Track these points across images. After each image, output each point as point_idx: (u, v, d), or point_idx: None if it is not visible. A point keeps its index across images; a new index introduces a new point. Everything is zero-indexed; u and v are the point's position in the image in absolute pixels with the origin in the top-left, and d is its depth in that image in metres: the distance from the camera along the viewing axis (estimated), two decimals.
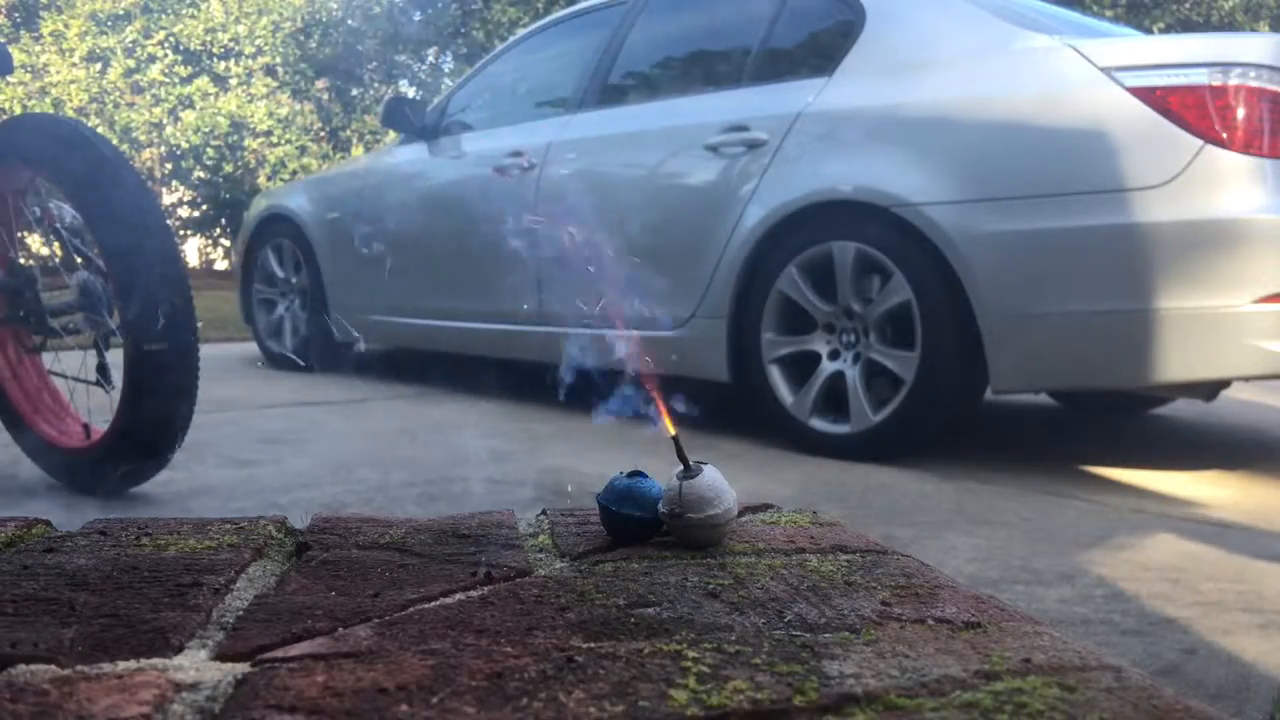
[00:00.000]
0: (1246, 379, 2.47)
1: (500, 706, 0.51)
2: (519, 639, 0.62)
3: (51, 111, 11.22)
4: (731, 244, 2.85)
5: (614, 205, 3.21)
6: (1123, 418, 3.51)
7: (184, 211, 13.95)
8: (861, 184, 2.62)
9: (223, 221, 13.75)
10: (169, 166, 13.33)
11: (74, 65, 12.87)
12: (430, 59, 14.05)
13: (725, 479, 0.86)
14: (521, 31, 4.46)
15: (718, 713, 0.51)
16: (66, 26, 13.00)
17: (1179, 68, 2.30)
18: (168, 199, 13.69)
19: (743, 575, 0.77)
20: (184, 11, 13.46)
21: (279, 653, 0.60)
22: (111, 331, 1.97)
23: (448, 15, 12.79)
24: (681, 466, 0.85)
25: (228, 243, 13.92)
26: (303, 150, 13.07)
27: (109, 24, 13.15)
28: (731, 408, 2.90)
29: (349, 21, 13.61)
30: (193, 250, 15.06)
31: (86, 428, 2.09)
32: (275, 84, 13.64)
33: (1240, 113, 2.23)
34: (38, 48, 12.90)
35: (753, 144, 2.86)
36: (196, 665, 0.58)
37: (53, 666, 0.57)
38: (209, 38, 13.40)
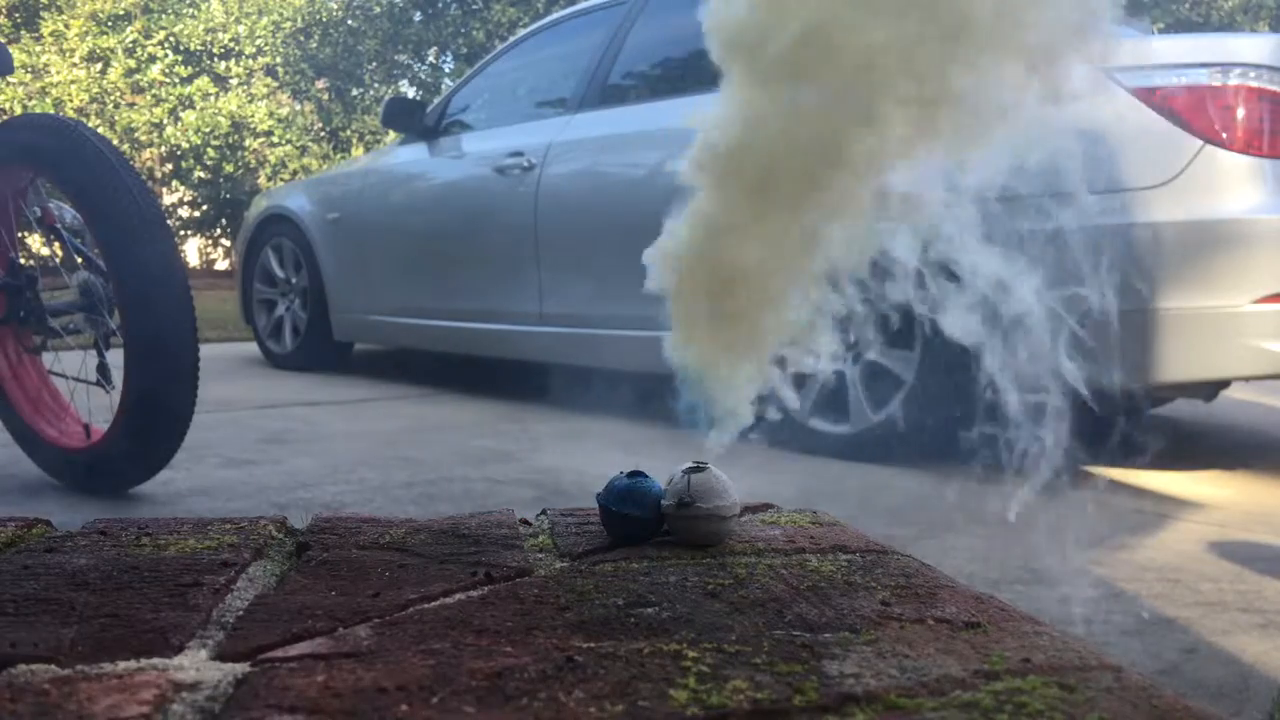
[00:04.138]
0: (1246, 379, 2.47)
1: (500, 706, 0.51)
2: (519, 639, 0.62)
3: (52, 111, 11.25)
4: None
5: (614, 205, 3.21)
6: (1123, 418, 3.50)
7: (184, 212, 13.95)
8: None
9: (223, 221, 13.75)
10: (169, 167, 13.33)
11: (74, 65, 12.87)
12: (430, 59, 14.05)
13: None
14: (522, 31, 4.46)
15: (718, 713, 0.51)
16: (67, 27, 13.00)
17: (1179, 68, 2.30)
18: (168, 199, 13.69)
19: (743, 575, 0.77)
20: (184, 11, 13.47)
21: (279, 653, 0.60)
22: (111, 331, 1.97)
23: (448, 15, 12.79)
24: (687, 463, 0.86)
25: (228, 243, 13.93)
26: (303, 150, 13.07)
27: (109, 24, 13.15)
28: None
29: (349, 21, 13.61)
30: (193, 250, 15.07)
31: (86, 428, 2.09)
32: (275, 84, 13.64)
33: (1240, 113, 2.23)
34: (38, 48, 12.90)
35: None
36: (197, 665, 0.58)
37: (53, 666, 0.57)
38: (209, 38, 13.40)
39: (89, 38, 12.96)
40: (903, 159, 0.70)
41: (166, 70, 13.12)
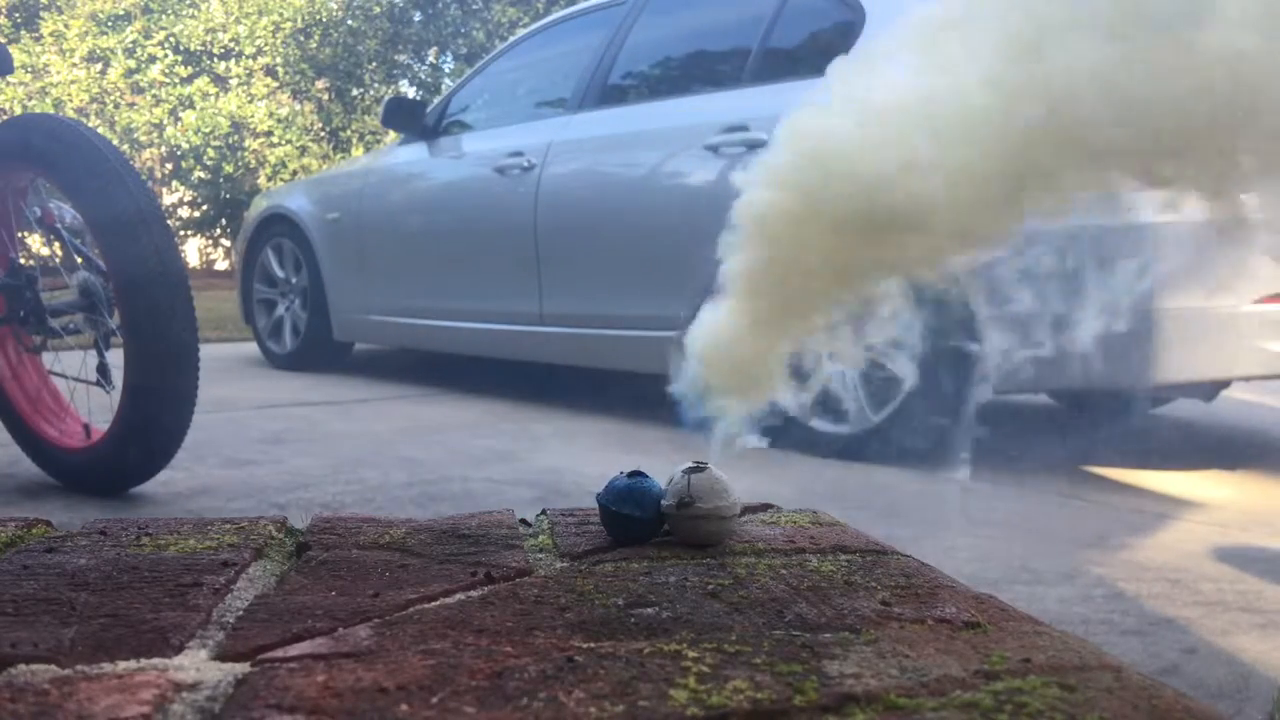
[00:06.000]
0: (1246, 379, 2.47)
1: (500, 706, 0.51)
2: (519, 639, 0.62)
3: (52, 112, 11.22)
4: None
5: (614, 205, 3.21)
6: (1123, 418, 3.50)
7: (184, 212, 13.95)
8: None
9: (223, 221, 13.74)
10: (169, 167, 13.32)
11: (74, 65, 12.86)
12: (430, 59, 14.05)
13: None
14: (522, 32, 4.46)
15: (718, 713, 0.51)
16: (67, 27, 12.99)
17: None
18: (168, 199, 13.69)
19: (743, 575, 0.77)
20: (184, 12, 13.45)
21: (279, 653, 0.60)
22: (111, 331, 1.97)
23: (448, 15, 12.79)
24: (687, 463, 0.86)
25: (228, 243, 13.91)
26: (303, 150, 13.06)
27: (109, 24, 13.15)
28: None
29: (349, 21, 13.60)
30: (193, 250, 15.07)
31: (86, 428, 2.09)
32: (275, 84, 13.63)
33: None
34: (38, 48, 12.89)
35: (753, 144, 2.86)
36: (197, 665, 0.58)
37: (53, 666, 0.57)
38: (209, 38, 13.39)
39: (89, 38, 12.95)
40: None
41: (166, 70, 13.11)
